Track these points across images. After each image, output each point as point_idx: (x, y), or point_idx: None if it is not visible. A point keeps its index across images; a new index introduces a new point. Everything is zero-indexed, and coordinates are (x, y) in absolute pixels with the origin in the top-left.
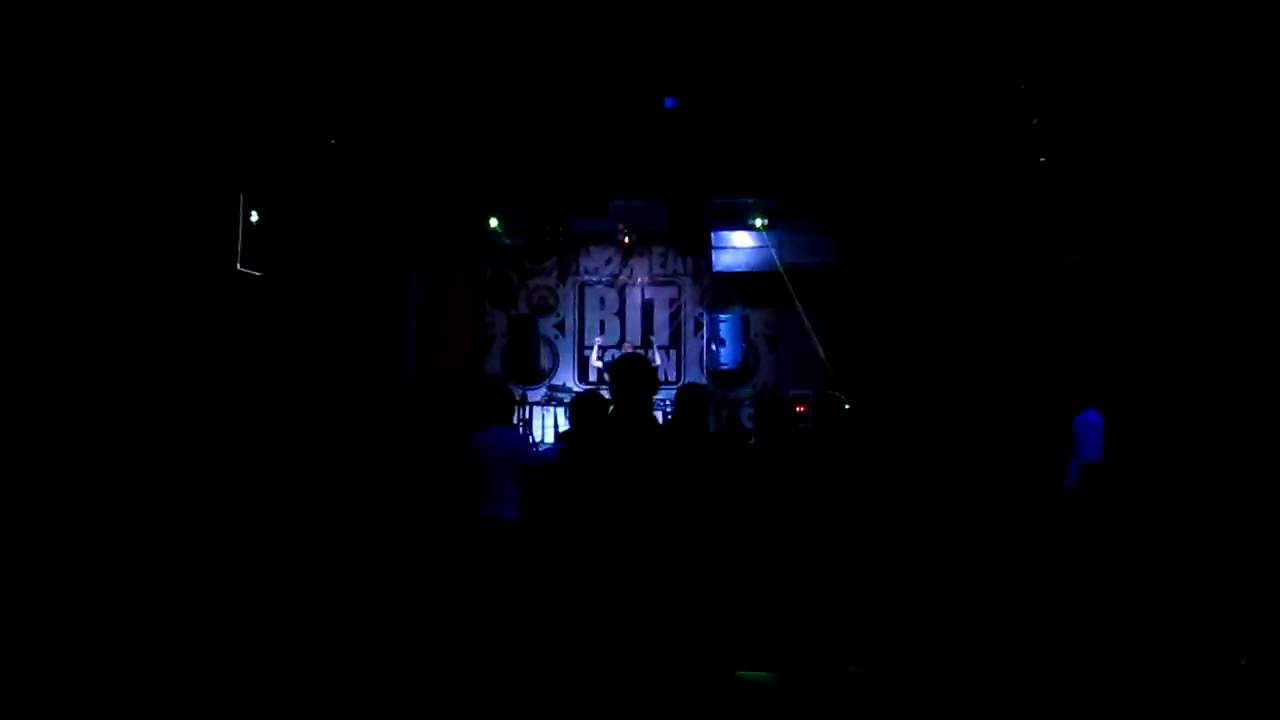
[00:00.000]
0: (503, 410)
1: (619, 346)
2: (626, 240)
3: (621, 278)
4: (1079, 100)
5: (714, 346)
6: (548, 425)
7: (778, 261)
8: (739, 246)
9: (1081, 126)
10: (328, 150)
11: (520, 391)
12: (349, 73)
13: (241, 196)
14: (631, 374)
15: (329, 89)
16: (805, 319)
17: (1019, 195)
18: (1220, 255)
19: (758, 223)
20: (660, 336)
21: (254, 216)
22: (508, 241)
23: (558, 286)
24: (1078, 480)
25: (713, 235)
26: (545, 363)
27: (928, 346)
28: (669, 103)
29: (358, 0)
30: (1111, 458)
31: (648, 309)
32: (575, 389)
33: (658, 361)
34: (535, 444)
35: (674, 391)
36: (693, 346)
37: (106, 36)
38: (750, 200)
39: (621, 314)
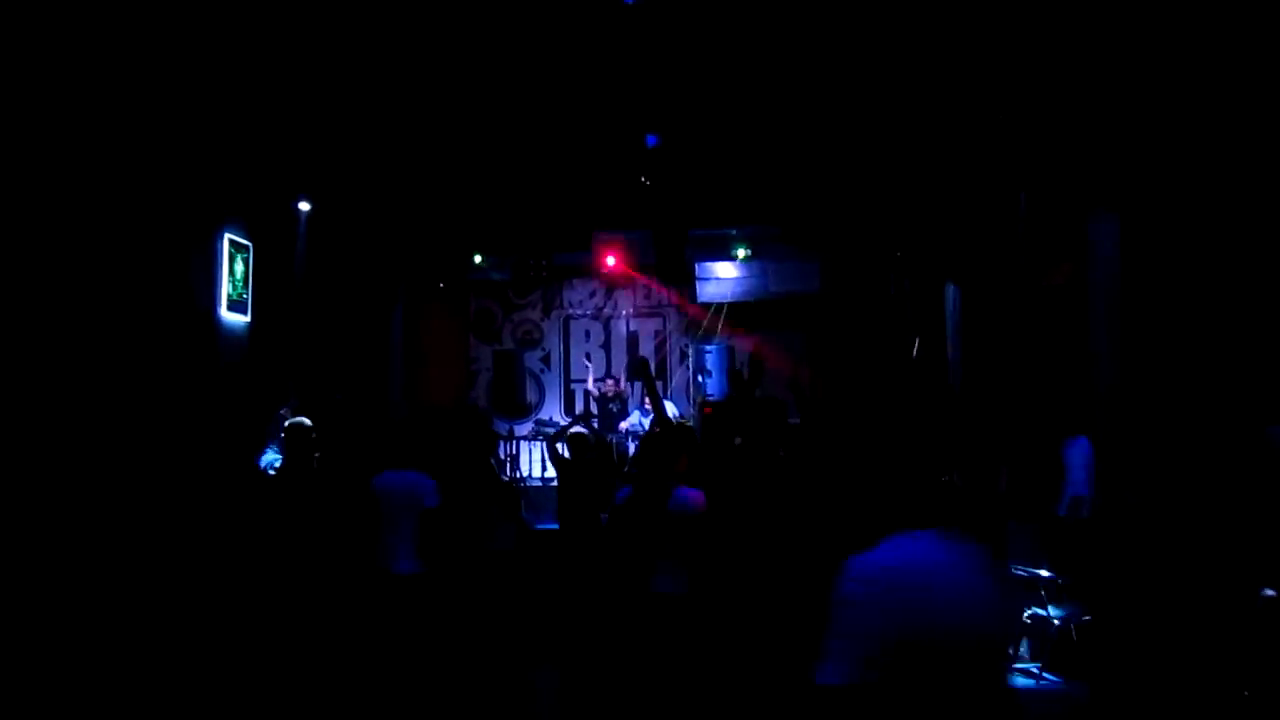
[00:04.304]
0: (413, 451)
1: (605, 380)
2: (612, 264)
3: (606, 310)
4: (1058, 120)
5: (700, 377)
6: (535, 459)
7: (760, 290)
8: (722, 277)
9: (1061, 147)
10: (310, 187)
11: (507, 426)
12: (333, 110)
13: (225, 240)
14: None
15: (312, 128)
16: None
17: (999, 218)
18: (1208, 274)
19: (740, 253)
20: None
21: (237, 260)
22: (493, 275)
23: (542, 320)
24: (1069, 508)
25: (696, 266)
26: (531, 396)
27: (912, 371)
28: (651, 140)
29: (342, 41)
30: (1102, 485)
31: (633, 341)
32: (562, 422)
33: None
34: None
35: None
36: (679, 377)
37: (93, 76)
38: (733, 231)
39: (607, 346)
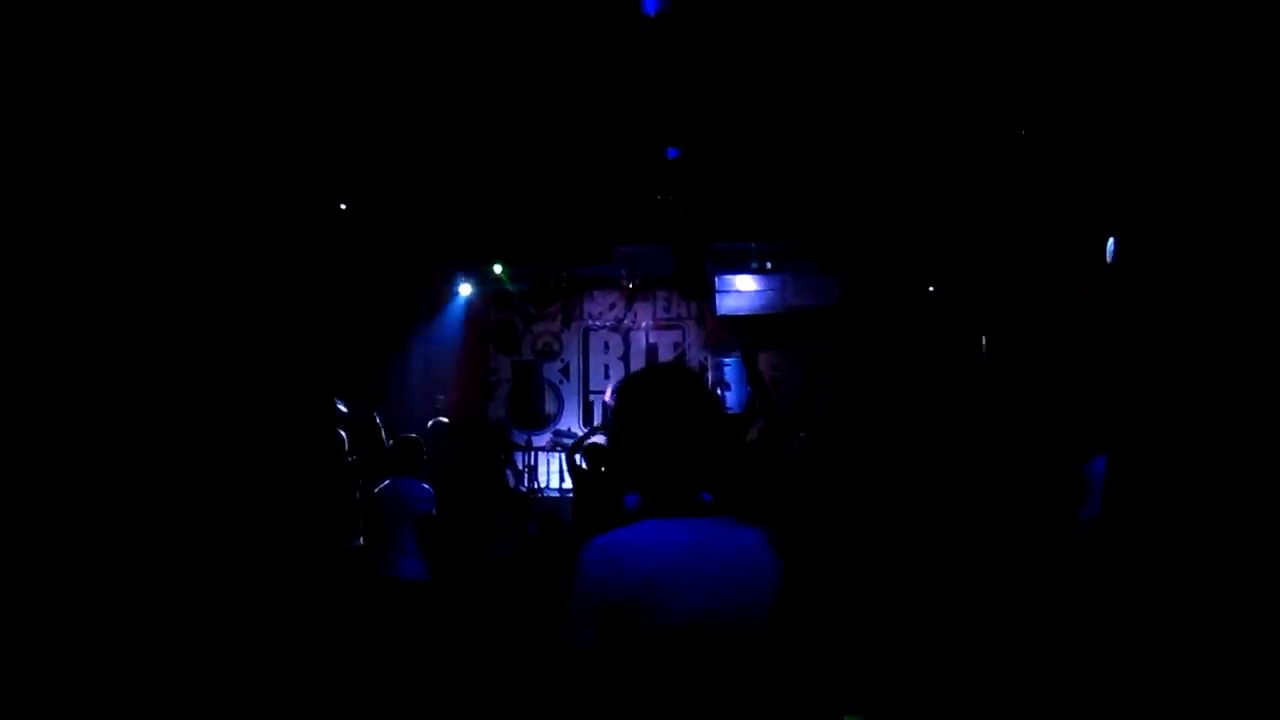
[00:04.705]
0: (407, 461)
1: None
2: (630, 286)
3: (625, 322)
4: (1080, 139)
5: (719, 390)
6: (552, 470)
7: (780, 304)
8: (742, 290)
9: (1082, 166)
10: (333, 192)
11: (525, 437)
12: (358, 115)
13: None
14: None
15: (338, 132)
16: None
17: (1020, 236)
18: (1228, 292)
19: (760, 265)
20: None
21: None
22: (512, 287)
23: (562, 331)
24: (1089, 529)
25: (716, 279)
26: (550, 408)
27: (931, 389)
28: (671, 153)
29: (366, 49)
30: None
31: (652, 353)
32: (580, 434)
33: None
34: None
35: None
36: None
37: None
38: (753, 245)
39: (626, 358)
